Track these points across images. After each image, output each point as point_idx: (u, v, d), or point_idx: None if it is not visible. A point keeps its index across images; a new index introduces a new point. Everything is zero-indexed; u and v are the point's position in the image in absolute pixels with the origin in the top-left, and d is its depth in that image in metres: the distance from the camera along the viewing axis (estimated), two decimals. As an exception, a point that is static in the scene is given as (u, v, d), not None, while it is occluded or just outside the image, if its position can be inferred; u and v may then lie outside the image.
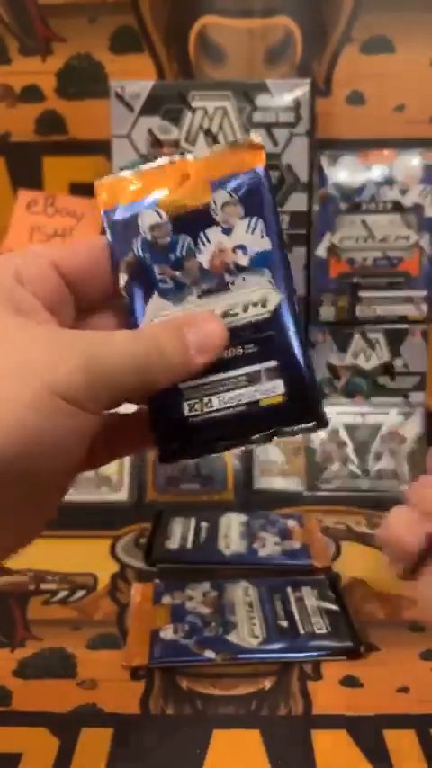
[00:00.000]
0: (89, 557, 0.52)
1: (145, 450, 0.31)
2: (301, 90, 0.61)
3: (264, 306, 0.29)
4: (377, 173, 0.63)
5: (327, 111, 0.66)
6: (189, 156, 0.29)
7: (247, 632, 0.41)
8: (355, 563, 0.51)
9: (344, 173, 0.63)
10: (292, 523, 0.56)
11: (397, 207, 0.63)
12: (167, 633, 0.41)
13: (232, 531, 0.54)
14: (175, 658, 0.40)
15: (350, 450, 0.64)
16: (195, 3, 0.65)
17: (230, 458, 0.64)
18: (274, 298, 0.29)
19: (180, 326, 0.28)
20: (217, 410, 0.29)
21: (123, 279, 0.29)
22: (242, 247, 0.29)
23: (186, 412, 0.29)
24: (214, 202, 0.29)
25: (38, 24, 0.66)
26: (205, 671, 0.39)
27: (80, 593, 0.47)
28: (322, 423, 0.29)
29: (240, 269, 0.29)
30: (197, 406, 0.29)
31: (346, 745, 0.34)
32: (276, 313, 0.29)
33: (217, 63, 0.66)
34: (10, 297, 0.26)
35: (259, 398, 0.29)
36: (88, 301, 0.30)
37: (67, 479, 0.31)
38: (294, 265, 0.47)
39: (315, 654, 0.40)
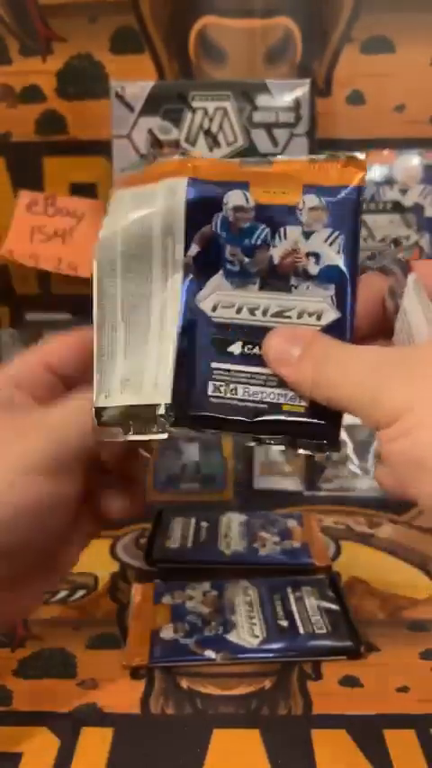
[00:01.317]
0: (89, 557, 0.52)
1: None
2: (301, 90, 0.61)
3: (318, 318, 0.29)
4: (377, 173, 0.63)
5: (327, 111, 0.66)
6: (284, 158, 0.29)
7: (247, 632, 0.41)
8: (355, 563, 0.51)
9: (344, 173, 0.63)
10: (291, 523, 0.56)
11: (397, 207, 0.63)
12: (167, 633, 0.42)
13: (232, 531, 0.54)
14: (175, 658, 0.40)
15: (350, 449, 0.64)
16: (195, 3, 0.65)
17: (230, 458, 0.64)
18: (330, 314, 0.29)
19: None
20: (239, 399, 0.29)
21: (195, 249, 0.29)
22: (316, 255, 0.29)
23: (210, 391, 0.29)
24: (303, 203, 0.29)
25: (38, 24, 0.66)
26: (205, 671, 0.39)
27: (80, 593, 0.47)
28: (335, 446, 0.29)
29: (308, 276, 0.29)
30: (222, 389, 0.29)
31: (346, 745, 0.34)
32: (327, 329, 0.29)
33: (217, 63, 0.66)
34: (7, 399, 0.32)
35: (282, 402, 0.29)
36: (74, 379, 0.34)
37: (70, 547, 0.36)
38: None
39: (315, 654, 0.40)
